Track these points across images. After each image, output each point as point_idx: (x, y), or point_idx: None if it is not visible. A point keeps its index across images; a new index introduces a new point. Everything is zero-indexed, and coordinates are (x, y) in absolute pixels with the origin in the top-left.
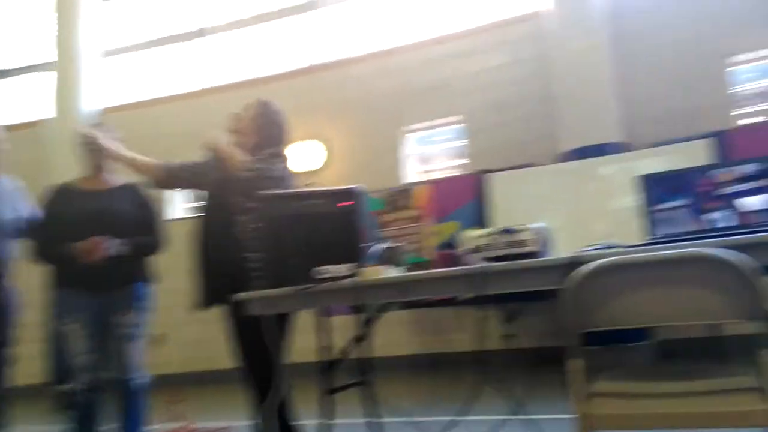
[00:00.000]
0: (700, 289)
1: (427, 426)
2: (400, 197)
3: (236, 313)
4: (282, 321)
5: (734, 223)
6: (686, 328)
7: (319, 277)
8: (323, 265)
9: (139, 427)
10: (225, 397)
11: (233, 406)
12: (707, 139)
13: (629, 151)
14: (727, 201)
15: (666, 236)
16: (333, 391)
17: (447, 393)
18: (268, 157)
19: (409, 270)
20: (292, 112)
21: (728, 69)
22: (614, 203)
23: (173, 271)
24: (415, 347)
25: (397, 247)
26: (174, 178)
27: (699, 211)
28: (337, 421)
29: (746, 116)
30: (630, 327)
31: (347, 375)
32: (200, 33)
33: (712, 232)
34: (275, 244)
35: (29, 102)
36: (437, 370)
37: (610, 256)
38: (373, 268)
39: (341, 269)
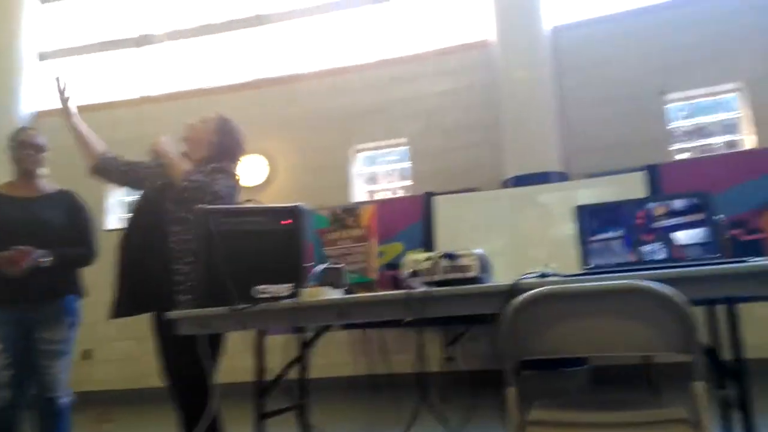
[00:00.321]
0: (634, 320)
1: None
2: (345, 216)
3: (164, 331)
4: (214, 340)
5: (667, 256)
6: (620, 356)
7: (258, 296)
8: (262, 284)
9: None
10: (155, 416)
11: (163, 426)
12: (643, 172)
13: (568, 180)
14: (661, 234)
15: (601, 267)
16: (267, 415)
17: (386, 416)
18: (212, 172)
19: (351, 290)
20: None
21: (665, 106)
22: (553, 231)
23: (103, 284)
24: (355, 368)
25: (339, 267)
26: (113, 170)
27: (633, 243)
28: None
29: (680, 152)
30: (565, 356)
31: (283, 397)
32: (143, 40)
33: (645, 265)
34: (210, 260)
35: None
36: (377, 392)
37: (547, 285)
38: (313, 288)
39: (281, 289)
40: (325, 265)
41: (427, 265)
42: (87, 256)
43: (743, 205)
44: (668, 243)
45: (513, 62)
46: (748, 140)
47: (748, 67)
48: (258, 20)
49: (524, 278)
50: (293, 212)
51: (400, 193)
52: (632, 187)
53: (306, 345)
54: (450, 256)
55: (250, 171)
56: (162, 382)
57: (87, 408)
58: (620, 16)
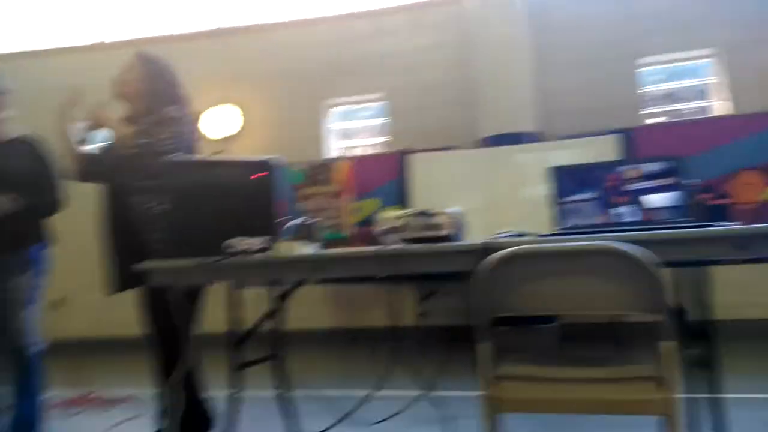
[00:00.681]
0: (605, 280)
1: (338, 401)
2: (320, 171)
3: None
4: (194, 293)
5: (639, 218)
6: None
7: (231, 250)
8: (235, 237)
9: (33, 395)
10: (128, 365)
11: (137, 374)
12: (616, 135)
13: (543, 141)
14: (632, 197)
15: (575, 228)
16: (243, 365)
17: (360, 369)
18: (155, 125)
19: (326, 246)
20: (208, 74)
21: (638, 70)
22: (526, 191)
23: (76, 232)
24: (329, 321)
25: (313, 222)
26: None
27: (606, 204)
28: (247, 394)
29: (653, 116)
30: (537, 314)
31: (259, 348)
32: None
33: (618, 227)
34: (181, 214)
35: None
36: (351, 346)
37: (521, 245)
38: (287, 243)
39: (254, 243)
40: (299, 220)
41: (402, 222)
42: (52, 205)
43: (714, 170)
44: (640, 206)
45: (490, 18)
46: (721, 106)
47: (724, 34)
48: None
49: (497, 237)
50: (266, 165)
51: (376, 150)
52: (606, 150)
53: (281, 298)
54: (425, 214)
55: (223, 121)
56: (139, 330)
57: (62, 356)
58: None
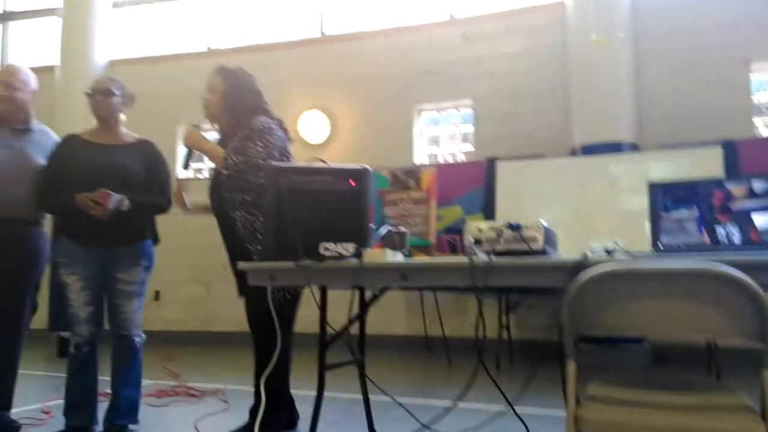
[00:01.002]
0: (706, 304)
1: (415, 410)
2: (406, 178)
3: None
4: (296, 295)
5: (742, 239)
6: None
7: (324, 253)
8: (326, 242)
9: (136, 383)
10: (218, 358)
11: (227, 368)
12: (719, 147)
13: (639, 151)
14: (736, 216)
15: (673, 247)
16: (328, 367)
17: (436, 378)
18: (243, 141)
19: (410, 253)
20: (298, 80)
21: (749, 76)
22: (621, 204)
23: (171, 232)
24: (405, 328)
25: (403, 232)
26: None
27: (707, 223)
28: (330, 394)
29: (763, 127)
30: (629, 336)
31: (342, 351)
32: None
33: (719, 247)
34: (278, 216)
35: (32, 47)
36: (429, 353)
37: (616, 262)
38: (376, 250)
39: (346, 248)
40: (390, 228)
41: (490, 234)
42: (163, 205)
43: None
44: (744, 226)
45: (589, 23)
46: None
47: None
48: None
49: (591, 253)
50: (360, 173)
51: (462, 157)
52: (707, 162)
53: (366, 304)
54: (514, 227)
55: (312, 128)
56: (229, 326)
57: (156, 348)
58: None
